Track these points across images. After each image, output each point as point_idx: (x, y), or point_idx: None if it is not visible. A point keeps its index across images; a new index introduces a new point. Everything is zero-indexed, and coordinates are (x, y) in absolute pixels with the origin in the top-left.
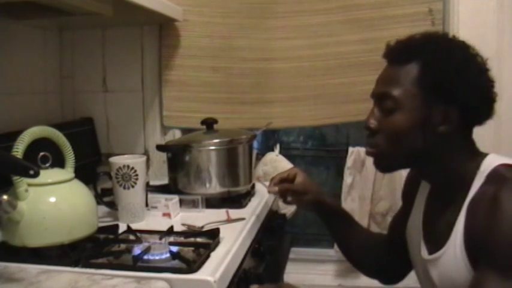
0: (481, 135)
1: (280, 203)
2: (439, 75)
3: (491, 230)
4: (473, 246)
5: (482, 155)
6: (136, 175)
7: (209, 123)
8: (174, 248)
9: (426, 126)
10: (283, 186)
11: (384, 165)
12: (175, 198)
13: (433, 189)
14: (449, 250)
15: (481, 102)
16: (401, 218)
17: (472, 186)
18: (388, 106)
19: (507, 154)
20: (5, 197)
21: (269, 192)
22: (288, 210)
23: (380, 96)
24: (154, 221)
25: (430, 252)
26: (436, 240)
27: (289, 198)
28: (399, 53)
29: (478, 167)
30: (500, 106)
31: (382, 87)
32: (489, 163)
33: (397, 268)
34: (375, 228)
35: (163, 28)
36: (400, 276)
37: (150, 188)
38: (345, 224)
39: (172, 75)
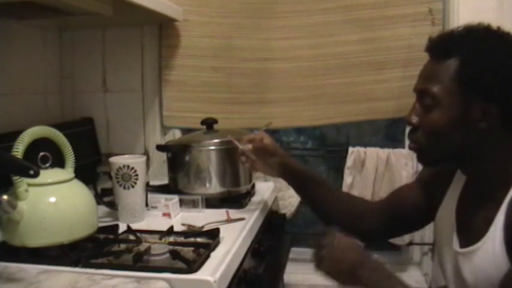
0: None
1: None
2: (477, 71)
3: None
4: None
5: None
6: (136, 175)
7: (209, 123)
8: (174, 248)
9: (465, 123)
10: (256, 146)
11: (426, 160)
12: (175, 198)
13: (471, 183)
14: (486, 245)
15: None
16: (409, 194)
17: None
18: (428, 103)
19: None
20: (5, 197)
21: (241, 151)
22: (288, 210)
23: (420, 92)
24: (154, 221)
25: (462, 246)
26: (471, 234)
27: (258, 163)
28: (439, 48)
29: None
30: None
31: (422, 83)
32: None
33: (380, 232)
34: None
35: (163, 28)
36: (379, 238)
37: (150, 188)
38: (314, 183)
39: (172, 75)
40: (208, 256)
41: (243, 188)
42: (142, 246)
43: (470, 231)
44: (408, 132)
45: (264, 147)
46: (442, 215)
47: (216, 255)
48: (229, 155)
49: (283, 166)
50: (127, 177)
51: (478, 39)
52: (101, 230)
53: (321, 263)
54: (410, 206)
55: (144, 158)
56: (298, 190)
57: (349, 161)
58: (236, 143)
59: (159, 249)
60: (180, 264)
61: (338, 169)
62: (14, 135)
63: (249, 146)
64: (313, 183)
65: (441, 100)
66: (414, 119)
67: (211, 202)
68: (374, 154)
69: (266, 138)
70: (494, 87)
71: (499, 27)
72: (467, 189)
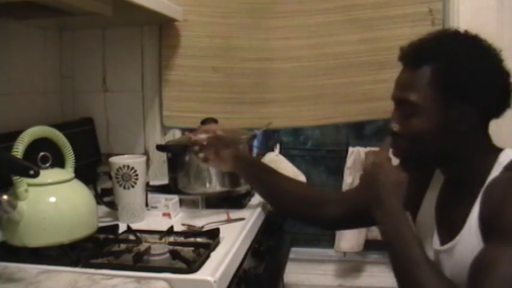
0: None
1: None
2: (452, 76)
3: (502, 207)
4: (488, 229)
5: (499, 149)
6: (136, 175)
7: (209, 123)
8: (174, 248)
9: (445, 127)
10: (211, 136)
11: (409, 165)
12: (175, 198)
13: (450, 183)
14: (463, 238)
15: (497, 96)
16: None
17: (489, 178)
18: (407, 111)
19: None
20: (5, 197)
21: (195, 140)
22: None
23: (399, 101)
24: (154, 221)
25: (443, 243)
26: (450, 230)
27: (210, 153)
28: (412, 56)
29: (495, 159)
30: None
31: (399, 92)
32: (507, 155)
33: (337, 221)
34: (375, 229)
35: (163, 28)
36: (335, 228)
37: (150, 188)
38: (268, 174)
39: (172, 75)
40: (208, 256)
41: (243, 188)
42: (142, 246)
43: (450, 228)
44: (391, 140)
45: (219, 138)
46: (422, 217)
47: (216, 255)
48: None
49: (237, 158)
50: (127, 177)
51: (449, 44)
52: (101, 230)
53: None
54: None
55: (144, 158)
56: (252, 182)
57: (349, 161)
58: (189, 134)
59: (159, 249)
60: (180, 264)
61: (338, 169)
62: (14, 135)
63: (203, 136)
64: (266, 173)
65: (420, 107)
66: (395, 127)
67: (211, 202)
68: None
69: (219, 131)
70: (469, 90)
71: (466, 31)
72: (446, 189)
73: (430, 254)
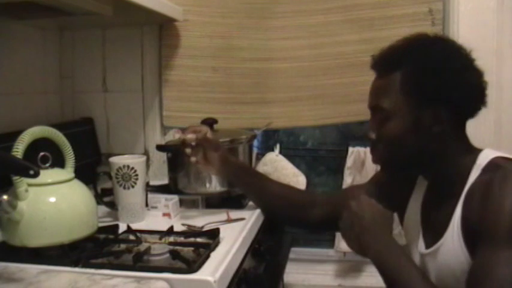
0: (481, 134)
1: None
2: (421, 79)
3: (486, 210)
4: (470, 232)
5: (478, 150)
6: (136, 175)
7: (209, 123)
8: (174, 248)
9: (419, 130)
10: (200, 136)
11: (390, 170)
12: (175, 198)
13: (432, 186)
14: (447, 241)
15: (468, 96)
16: (357, 193)
17: (469, 179)
18: (381, 117)
19: (507, 153)
20: (5, 197)
21: (184, 139)
22: None
23: (373, 109)
24: (154, 221)
25: (428, 246)
26: (434, 234)
27: (197, 156)
28: (382, 64)
29: (474, 160)
30: (500, 106)
31: (373, 100)
32: (485, 156)
33: (321, 224)
34: None
35: (163, 28)
36: (319, 230)
37: (150, 188)
38: (254, 177)
39: (172, 75)
40: (208, 256)
41: None
42: (142, 246)
43: (434, 231)
44: (370, 147)
45: (208, 140)
46: (408, 221)
47: (216, 255)
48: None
49: (224, 161)
50: (127, 177)
51: (417, 48)
52: (101, 230)
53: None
54: None
55: (144, 158)
56: (239, 186)
57: (349, 161)
58: (178, 133)
59: (159, 249)
60: (180, 264)
61: (338, 169)
62: (14, 135)
63: (192, 136)
64: (253, 177)
65: (393, 113)
66: (372, 135)
67: (211, 202)
68: None
69: (210, 133)
70: (438, 92)
71: (436, 34)
72: (430, 193)
73: (416, 258)
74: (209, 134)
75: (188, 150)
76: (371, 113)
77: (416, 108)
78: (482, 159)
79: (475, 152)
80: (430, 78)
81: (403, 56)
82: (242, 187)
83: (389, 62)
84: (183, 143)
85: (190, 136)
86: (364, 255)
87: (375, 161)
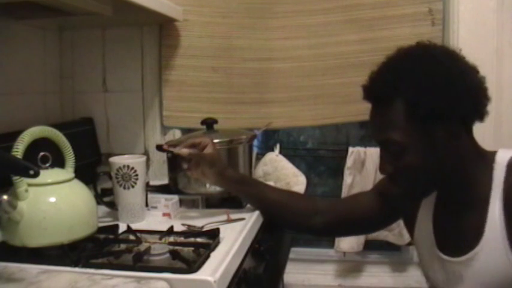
0: (481, 134)
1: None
2: (423, 102)
3: None
4: None
5: (490, 152)
6: (136, 175)
7: (209, 123)
8: (174, 248)
9: (437, 149)
10: (195, 152)
11: (415, 197)
12: (175, 198)
13: (444, 195)
14: (486, 245)
15: (474, 102)
16: (362, 201)
17: (493, 180)
18: (395, 150)
19: None
20: (5, 197)
21: (177, 153)
22: None
23: (383, 143)
24: (154, 221)
25: (454, 255)
26: (459, 241)
27: (194, 168)
28: (378, 94)
29: (493, 161)
30: (500, 106)
31: (380, 134)
32: (502, 156)
33: (325, 230)
34: None
35: (163, 28)
36: (323, 236)
37: (150, 188)
38: (252, 187)
39: (172, 75)
40: (208, 256)
41: None
42: (142, 246)
43: (459, 239)
44: (388, 181)
45: (202, 157)
46: (419, 232)
47: (216, 255)
48: (229, 155)
49: (219, 177)
50: (127, 177)
51: (410, 71)
52: (101, 230)
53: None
54: (359, 212)
55: (144, 158)
56: (237, 195)
57: (349, 161)
58: (172, 149)
59: (159, 249)
60: (180, 264)
61: (338, 169)
62: (14, 135)
63: (185, 151)
64: (252, 187)
65: (407, 143)
66: (388, 169)
67: (211, 202)
68: (374, 154)
69: (210, 147)
70: (445, 107)
71: (420, 45)
72: (442, 202)
73: (436, 265)
74: (209, 147)
75: (184, 165)
76: (381, 147)
77: (428, 130)
78: (501, 158)
79: (488, 153)
80: (433, 96)
81: (399, 82)
82: (241, 197)
83: (385, 91)
84: (181, 158)
85: (184, 151)
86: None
87: (399, 193)
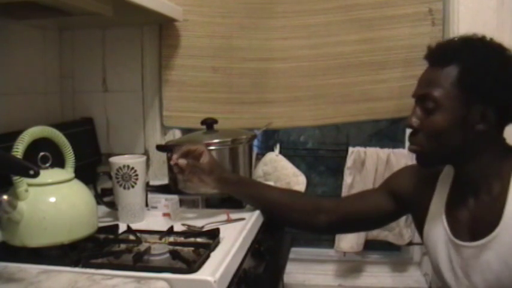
0: None
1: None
2: (477, 77)
3: None
4: None
5: None
6: (136, 175)
7: (209, 123)
8: (174, 248)
9: (465, 125)
10: (190, 163)
11: (425, 161)
12: (175, 198)
13: (461, 183)
14: (504, 229)
15: None
16: (369, 198)
17: None
18: (429, 106)
19: None
20: (5, 197)
21: (174, 163)
22: None
23: (421, 97)
24: (154, 221)
25: (472, 239)
26: (477, 226)
27: (192, 178)
28: (439, 55)
29: None
30: None
31: (423, 88)
32: None
33: (330, 227)
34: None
35: (163, 28)
36: (328, 233)
37: (150, 188)
38: (253, 188)
39: (172, 75)
40: (208, 256)
41: None
42: (142, 246)
43: (476, 224)
44: (409, 135)
45: (198, 167)
46: (432, 225)
47: (216, 255)
48: (229, 155)
49: (218, 182)
50: (127, 177)
51: (476, 47)
52: (101, 230)
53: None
54: (366, 210)
55: (144, 158)
56: (241, 198)
57: (349, 161)
58: (168, 156)
59: (159, 249)
60: (180, 264)
61: (338, 169)
62: (14, 135)
63: (183, 161)
64: (253, 188)
65: (442, 104)
66: (415, 122)
67: (211, 202)
68: (374, 154)
69: (206, 155)
70: (492, 92)
71: (491, 39)
72: (457, 193)
73: (453, 252)
74: (205, 155)
75: (180, 177)
76: (416, 102)
77: (466, 103)
78: None
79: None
80: (487, 78)
81: (463, 52)
82: (244, 199)
83: (447, 54)
84: (175, 164)
85: (181, 161)
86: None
87: (412, 149)
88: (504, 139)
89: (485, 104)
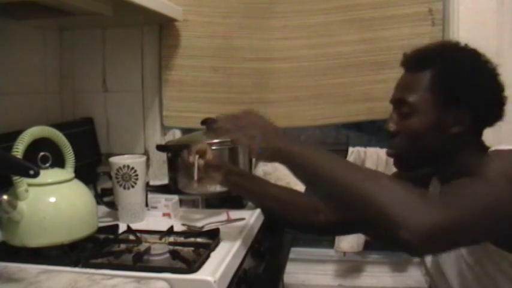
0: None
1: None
2: (450, 81)
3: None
4: None
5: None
6: (136, 175)
7: (209, 123)
8: (174, 248)
9: (440, 128)
10: (202, 162)
11: (403, 164)
12: (175, 198)
13: (444, 182)
14: None
15: (490, 105)
16: None
17: None
18: (405, 111)
19: None
20: (5, 197)
21: (192, 163)
22: None
23: (397, 102)
24: (154, 221)
25: None
26: None
27: (204, 175)
28: (414, 61)
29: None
30: None
31: (399, 93)
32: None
33: (334, 226)
34: None
35: (163, 28)
36: (332, 233)
37: (150, 188)
38: (256, 184)
39: (172, 75)
40: (208, 256)
41: None
42: (142, 246)
43: None
44: (388, 140)
45: (210, 164)
46: None
47: (216, 255)
48: (229, 155)
49: (227, 175)
50: (127, 177)
51: (450, 52)
52: (101, 230)
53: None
54: None
55: (144, 158)
56: (244, 194)
57: None
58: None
59: (159, 249)
60: (180, 264)
61: None
62: (14, 135)
63: (202, 162)
64: (256, 184)
65: (417, 108)
66: (392, 127)
67: (211, 202)
68: (374, 154)
69: (209, 152)
70: (465, 96)
71: (466, 44)
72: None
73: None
74: (209, 152)
75: (195, 176)
76: (394, 106)
77: (441, 107)
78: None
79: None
80: (460, 80)
81: (436, 56)
82: (243, 194)
83: (421, 59)
84: (192, 165)
85: (200, 162)
86: (275, 159)
87: (390, 153)
88: (482, 141)
89: (460, 107)
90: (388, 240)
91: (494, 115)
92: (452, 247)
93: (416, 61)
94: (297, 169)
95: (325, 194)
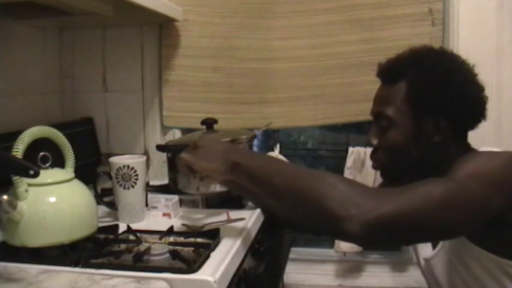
0: (481, 134)
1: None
2: (424, 90)
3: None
4: None
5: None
6: (136, 175)
7: (209, 123)
8: (174, 248)
9: (420, 138)
10: None
11: (388, 176)
12: (175, 198)
13: None
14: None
15: (468, 109)
16: None
17: None
18: (384, 124)
19: None
20: (5, 197)
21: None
22: None
23: (376, 116)
24: (154, 221)
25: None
26: None
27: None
28: (388, 73)
29: None
30: (500, 106)
31: (377, 107)
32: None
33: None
34: None
35: (163, 28)
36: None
37: (150, 188)
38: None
39: (172, 75)
40: (208, 256)
41: None
42: (142, 246)
43: None
44: (370, 153)
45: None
46: None
47: (216, 255)
48: None
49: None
50: (127, 177)
51: (422, 61)
52: (101, 230)
53: (193, 158)
54: None
55: (144, 158)
56: (238, 190)
57: (349, 161)
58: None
59: (159, 249)
60: (180, 264)
61: (338, 169)
62: (14, 135)
63: None
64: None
65: (396, 121)
66: (374, 141)
67: (211, 202)
68: None
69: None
70: (441, 103)
71: (441, 48)
72: None
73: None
74: None
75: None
76: (373, 120)
77: (418, 117)
78: None
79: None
80: (434, 89)
81: (409, 67)
82: (247, 195)
83: (395, 71)
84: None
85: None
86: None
87: (375, 167)
88: (468, 144)
89: (437, 115)
90: (335, 233)
91: (474, 117)
92: (398, 238)
93: (391, 73)
94: (253, 177)
95: (275, 198)
